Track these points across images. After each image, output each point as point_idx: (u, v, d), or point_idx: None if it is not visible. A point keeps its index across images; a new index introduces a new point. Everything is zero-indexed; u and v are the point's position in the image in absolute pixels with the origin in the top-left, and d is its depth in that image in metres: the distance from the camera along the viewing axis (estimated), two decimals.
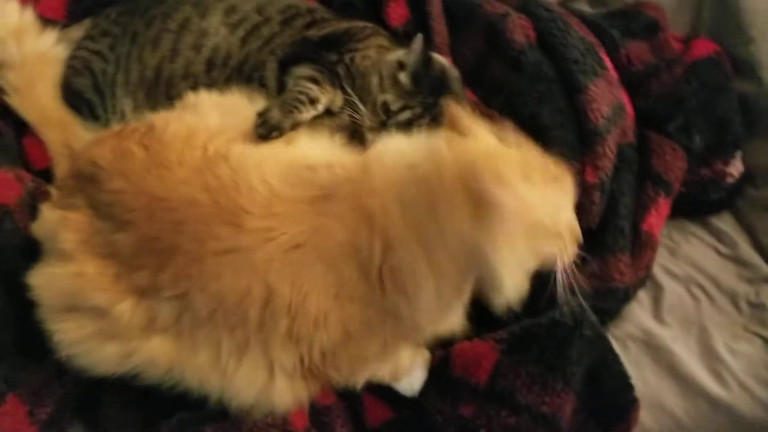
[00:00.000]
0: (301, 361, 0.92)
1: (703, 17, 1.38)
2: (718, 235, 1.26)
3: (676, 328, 1.16)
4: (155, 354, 0.92)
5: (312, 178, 0.94)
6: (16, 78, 1.22)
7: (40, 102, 1.23)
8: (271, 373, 0.93)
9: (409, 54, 1.13)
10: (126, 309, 0.92)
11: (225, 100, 1.12)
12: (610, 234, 1.15)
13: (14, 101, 1.22)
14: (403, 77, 1.13)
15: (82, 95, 1.26)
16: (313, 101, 1.10)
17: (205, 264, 0.89)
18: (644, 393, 1.06)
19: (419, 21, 1.32)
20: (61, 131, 1.22)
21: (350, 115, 1.13)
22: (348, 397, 1.04)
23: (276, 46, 1.21)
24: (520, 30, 1.20)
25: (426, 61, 1.13)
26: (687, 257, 1.23)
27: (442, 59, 1.18)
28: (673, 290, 1.19)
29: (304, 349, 0.91)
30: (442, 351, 1.05)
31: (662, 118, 1.23)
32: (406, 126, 1.12)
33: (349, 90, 1.15)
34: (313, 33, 1.23)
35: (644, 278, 1.18)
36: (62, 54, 1.29)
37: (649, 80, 1.26)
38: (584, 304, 1.05)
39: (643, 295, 1.19)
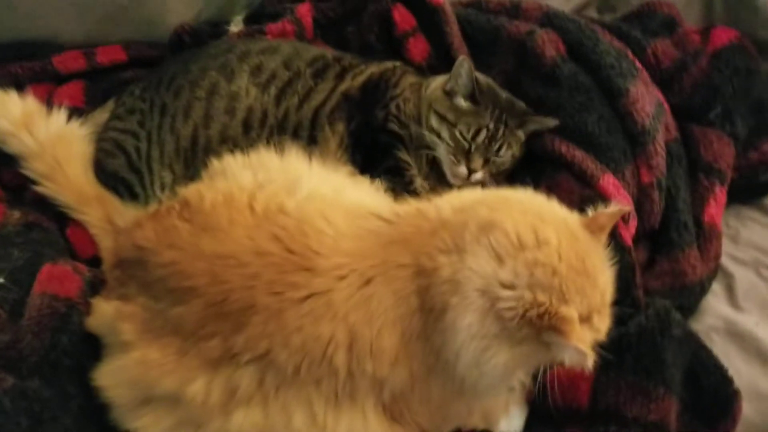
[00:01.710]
0: (383, 405, 0.90)
1: (714, 8, 1.40)
2: None
3: (755, 313, 1.15)
4: (242, 430, 0.88)
5: (377, 222, 0.93)
6: (41, 165, 1.20)
7: (74, 182, 1.20)
8: (366, 421, 0.89)
9: (455, 79, 1.16)
10: (199, 389, 0.87)
11: (252, 159, 1.10)
12: (674, 230, 1.15)
13: (48, 188, 1.19)
14: (462, 102, 1.15)
15: (118, 175, 1.24)
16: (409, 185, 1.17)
17: (286, 316, 0.85)
18: (738, 384, 1.04)
19: (441, 54, 1.33)
20: (100, 207, 1.19)
21: (432, 154, 1.19)
22: None
23: (317, 104, 1.22)
24: (550, 45, 1.21)
25: (476, 80, 1.16)
26: (749, 242, 1.23)
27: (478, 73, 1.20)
28: (743, 276, 1.19)
29: (382, 392, 0.88)
30: (536, 382, 1.03)
31: (701, 109, 1.25)
32: (490, 147, 1.17)
33: (423, 131, 1.20)
34: (349, 86, 1.24)
35: (715, 269, 1.17)
36: (80, 132, 1.26)
37: (680, 75, 1.27)
38: (667, 304, 1.04)
39: (715, 286, 1.18)
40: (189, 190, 1.02)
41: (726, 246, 1.21)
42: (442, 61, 1.32)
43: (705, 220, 1.18)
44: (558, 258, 0.80)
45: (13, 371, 0.94)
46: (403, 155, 1.20)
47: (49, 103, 1.30)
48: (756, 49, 1.31)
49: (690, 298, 1.13)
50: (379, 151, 1.20)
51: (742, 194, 1.27)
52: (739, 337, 1.12)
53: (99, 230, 1.17)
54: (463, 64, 1.16)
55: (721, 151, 1.21)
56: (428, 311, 0.83)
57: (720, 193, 1.20)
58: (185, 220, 0.94)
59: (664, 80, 1.26)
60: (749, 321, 1.14)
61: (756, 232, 1.25)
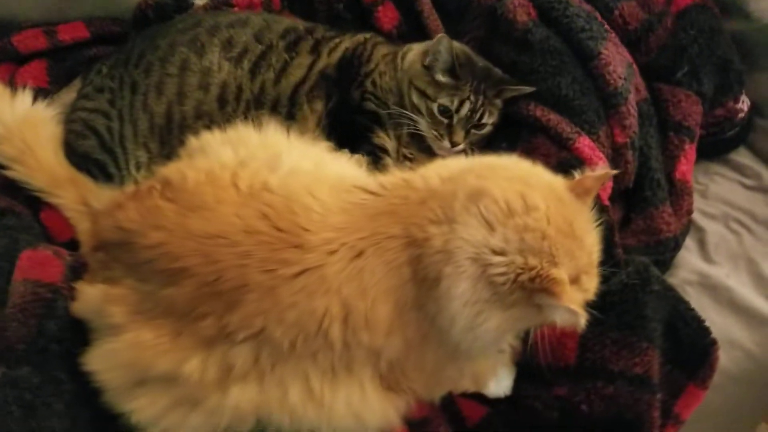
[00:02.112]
0: (380, 375, 0.92)
1: None
2: (740, 169, 1.32)
3: (726, 265, 1.20)
4: (240, 405, 0.88)
5: (363, 194, 0.93)
6: (9, 149, 1.17)
7: (45, 164, 1.17)
8: (363, 391, 0.91)
9: (434, 55, 1.17)
10: (195, 366, 0.87)
11: (231, 135, 1.09)
12: (648, 188, 1.19)
13: (19, 172, 1.17)
14: (441, 77, 1.16)
15: (90, 156, 1.22)
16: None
17: (279, 293, 0.85)
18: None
19: (411, 21, 1.33)
20: (74, 189, 1.16)
21: (413, 131, 1.20)
22: (442, 402, 1.04)
23: (296, 80, 1.22)
24: (521, 9, 1.21)
25: (456, 56, 1.17)
26: (717, 196, 1.28)
27: (455, 43, 1.20)
28: (713, 230, 1.24)
29: (378, 362, 0.90)
30: (525, 343, 1.06)
31: (669, 69, 1.27)
32: (470, 118, 1.18)
33: (398, 110, 1.20)
34: (326, 63, 1.24)
35: (688, 225, 1.21)
36: (48, 113, 1.24)
37: (647, 36, 1.29)
38: (646, 260, 1.08)
39: (688, 241, 1.23)
40: (169, 169, 1.00)
41: (696, 201, 1.26)
42: (412, 29, 1.32)
43: (677, 177, 1.21)
44: (547, 222, 0.82)
45: (1, 361, 0.93)
46: (379, 140, 1.21)
47: (11, 84, 1.27)
48: (718, 8, 1.33)
49: (665, 254, 1.17)
50: (356, 133, 1.20)
51: (710, 150, 1.32)
52: (712, 288, 1.18)
53: (75, 213, 1.15)
54: (442, 41, 1.16)
55: (690, 109, 1.24)
56: (421, 281, 0.85)
57: (690, 150, 1.23)
58: (169, 200, 0.93)
59: (631, 41, 1.28)
60: (721, 273, 1.19)
61: (724, 187, 1.29)
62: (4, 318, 0.97)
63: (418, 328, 0.87)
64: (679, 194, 1.20)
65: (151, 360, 0.88)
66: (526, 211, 0.83)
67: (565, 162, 1.12)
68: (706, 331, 1.05)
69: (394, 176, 0.96)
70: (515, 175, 0.88)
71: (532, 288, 0.80)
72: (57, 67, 1.33)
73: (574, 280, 0.84)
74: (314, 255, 0.86)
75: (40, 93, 1.26)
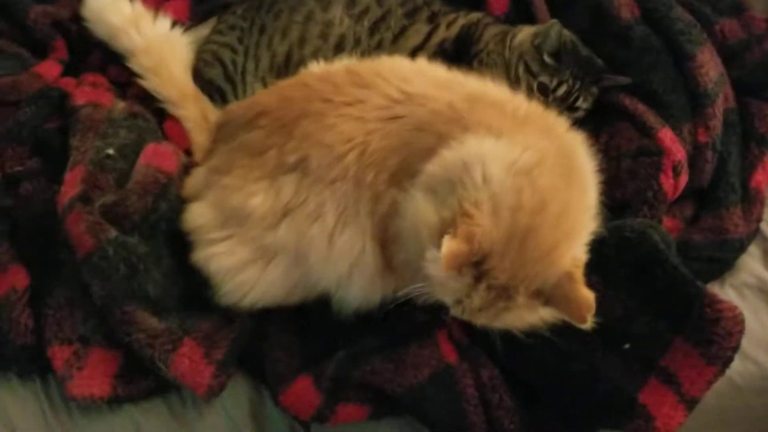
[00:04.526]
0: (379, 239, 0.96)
1: None
2: None
3: None
4: (286, 243, 0.97)
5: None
6: (147, 60, 1.30)
7: (176, 78, 1.31)
8: (363, 246, 0.97)
9: (544, 38, 1.27)
10: (259, 201, 0.98)
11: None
12: (722, 190, 1.23)
13: (152, 82, 1.30)
14: (548, 58, 1.26)
15: (214, 83, 1.36)
16: None
17: (326, 116, 0.95)
18: (763, 337, 1.13)
19: (520, 8, 1.43)
20: (197, 104, 1.29)
21: None
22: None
23: (414, 44, 1.33)
24: (626, 7, 1.30)
25: (563, 42, 1.27)
26: None
27: (565, 30, 1.29)
28: None
29: (375, 216, 0.95)
30: None
31: (760, 86, 1.33)
32: (565, 99, 1.26)
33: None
34: (445, 36, 1.34)
35: (756, 231, 1.24)
36: (183, 38, 1.38)
37: (743, 53, 1.35)
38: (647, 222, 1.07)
39: (753, 248, 1.24)
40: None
41: (766, 213, 1.28)
42: (521, 16, 1.41)
43: (752, 185, 1.25)
44: None
45: (117, 225, 1.06)
46: None
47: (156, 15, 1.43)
48: None
49: (729, 253, 1.20)
50: None
51: None
52: None
53: (194, 125, 1.27)
54: (555, 26, 1.26)
55: None
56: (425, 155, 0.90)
57: None
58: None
59: (727, 56, 1.34)
60: None
61: None
62: (126, 192, 1.09)
63: (401, 199, 0.90)
64: (751, 201, 1.24)
65: (227, 197, 1.00)
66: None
67: (645, 148, 1.18)
68: (688, 282, 0.99)
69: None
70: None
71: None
72: (197, 8, 1.47)
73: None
74: (368, 92, 0.96)
75: (180, 25, 1.41)
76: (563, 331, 0.95)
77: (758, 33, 1.37)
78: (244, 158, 1.02)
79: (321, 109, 0.97)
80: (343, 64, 1.07)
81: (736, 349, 0.96)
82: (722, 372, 0.97)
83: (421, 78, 1.00)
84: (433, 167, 0.86)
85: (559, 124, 0.98)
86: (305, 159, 0.97)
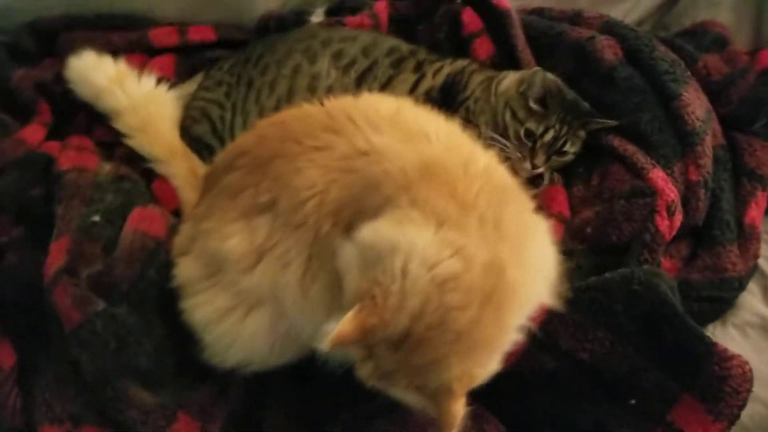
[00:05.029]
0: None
1: (763, 32, 1.50)
2: None
3: None
4: (261, 285, 0.95)
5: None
6: (133, 119, 1.30)
7: (164, 135, 1.30)
8: (334, 296, 0.90)
9: (529, 85, 1.27)
10: (234, 241, 0.95)
11: None
12: (717, 228, 1.22)
13: (139, 140, 1.29)
14: (534, 104, 1.26)
15: (202, 140, 1.35)
16: None
17: (298, 159, 0.93)
18: None
19: (504, 53, 1.43)
20: (186, 161, 1.28)
21: (502, 153, 1.23)
22: None
23: (399, 94, 1.31)
24: (608, 50, 1.30)
25: (548, 88, 1.27)
26: None
27: (548, 75, 1.29)
28: None
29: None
30: None
31: (747, 120, 1.33)
32: (553, 144, 1.26)
33: (490, 134, 1.28)
34: (431, 85, 1.34)
35: (754, 268, 1.23)
36: (169, 95, 1.37)
37: (728, 88, 1.36)
38: (657, 271, 1.06)
39: (752, 285, 1.23)
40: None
41: (763, 249, 1.27)
42: (505, 60, 1.42)
43: (746, 222, 1.25)
44: None
45: (104, 296, 1.03)
46: None
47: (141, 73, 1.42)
48: None
49: (729, 292, 1.19)
50: None
51: None
52: None
53: (183, 182, 1.26)
54: (538, 73, 1.27)
55: (764, 158, 1.28)
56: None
57: (761, 197, 1.27)
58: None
59: (713, 92, 1.35)
60: None
61: None
62: (113, 261, 1.08)
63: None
64: (747, 238, 1.23)
65: (206, 242, 0.98)
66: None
67: (638, 189, 1.18)
68: (699, 337, 0.97)
69: None
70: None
71: None
72: (183, 63, 1.49)
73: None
74: (341, 140, 0.93)
75: (165, 82, 1.40)
76: (570, 384, 0.94)
77: (742, 67, 1.39)
78: (224, 200, 1.00)
79: (293, 150, 0.95)
80: (324, 100, 1.03)
81: (743, 406, 0.94)
82: (728, 429, 0.95)
83: (391, 128, 0.95)
84: (368, 233, 0.83)
85: (516, 204, 0.92)
86: (276, 200, 0.95)
